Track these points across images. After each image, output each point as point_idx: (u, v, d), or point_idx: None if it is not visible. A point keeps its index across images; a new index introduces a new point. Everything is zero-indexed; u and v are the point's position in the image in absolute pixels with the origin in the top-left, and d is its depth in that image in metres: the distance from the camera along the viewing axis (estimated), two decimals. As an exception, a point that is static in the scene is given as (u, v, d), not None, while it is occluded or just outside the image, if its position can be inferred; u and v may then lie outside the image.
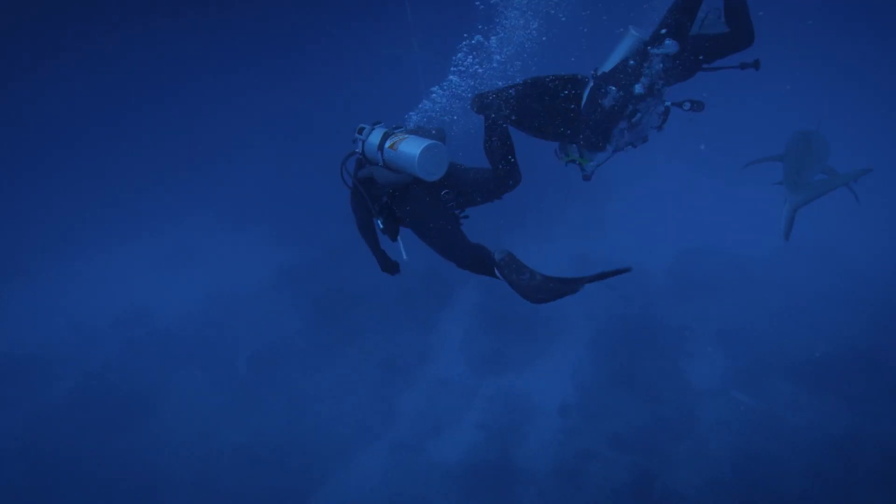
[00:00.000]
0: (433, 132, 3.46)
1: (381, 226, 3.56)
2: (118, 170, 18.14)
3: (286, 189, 15.08)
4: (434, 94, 3.89)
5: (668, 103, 4.27)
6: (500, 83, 3.66)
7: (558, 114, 3.87)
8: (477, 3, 3.85)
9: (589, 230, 13.28)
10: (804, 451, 8.55)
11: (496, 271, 3.19)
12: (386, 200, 3.48)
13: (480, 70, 3.82)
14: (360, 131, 3.55)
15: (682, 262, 12.32)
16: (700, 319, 10.93)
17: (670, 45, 4.09)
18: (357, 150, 3.60)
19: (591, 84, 4.37)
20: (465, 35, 3.71)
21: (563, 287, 3.07)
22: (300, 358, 11.07)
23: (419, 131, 3.44)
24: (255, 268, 13.16)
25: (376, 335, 11.24)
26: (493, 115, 3.46)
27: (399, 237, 3.62)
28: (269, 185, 15.82)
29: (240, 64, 20.23)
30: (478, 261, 3.29)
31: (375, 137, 3.42)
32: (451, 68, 3.83)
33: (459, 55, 3.81)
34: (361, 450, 9.79)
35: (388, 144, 3.32)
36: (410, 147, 3.21)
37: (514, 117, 3.56)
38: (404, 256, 3.55)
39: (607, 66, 4.35)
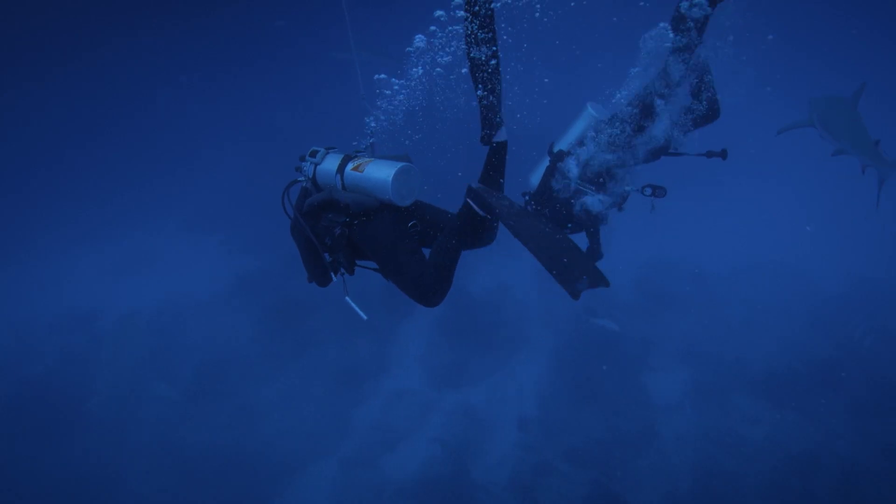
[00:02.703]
0: (401, 156, 3.13)
1: (329, 258, 3.14)
2: (80, 173, 17.77)
3: (246, 196, 14.74)
4: (373, 113, 3.51)
5: (629, 188, 4.10)
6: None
7: None
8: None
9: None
10: (763, 466, 8.45)
11: (468, 200, 2.95)
12: (340, 232, 3.02)
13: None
14: (314, 154, 3.19)
15: (645, 276, 12.28)
16: (662, 334, 10.85)
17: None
18: (302, 178, 3.23)
19: (547, 162, 4.14)
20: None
21: (541, 227, 2.84)
22: (251, 367, 10.61)
23: (385, 157, 3.11)
24: (210, 274, 12.74)
25: (333, 345, 10.86)
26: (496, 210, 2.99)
27: (349, 297, 3.23)
28: (229, 192, 15.48)
29: (202, 71, 20.07)
30: (441, 262, 3.03)
31: (331, 163, 3.10)
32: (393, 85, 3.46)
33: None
34: (312, 464, 9.36)
35: (350, 167, 3.02)
36: (381, 169, 2.92)
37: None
38: (364, 317, 3.13)
39: (563, 144, 4.13)
